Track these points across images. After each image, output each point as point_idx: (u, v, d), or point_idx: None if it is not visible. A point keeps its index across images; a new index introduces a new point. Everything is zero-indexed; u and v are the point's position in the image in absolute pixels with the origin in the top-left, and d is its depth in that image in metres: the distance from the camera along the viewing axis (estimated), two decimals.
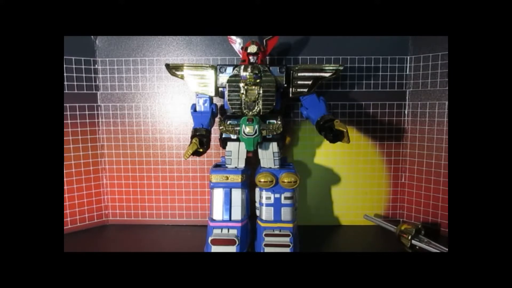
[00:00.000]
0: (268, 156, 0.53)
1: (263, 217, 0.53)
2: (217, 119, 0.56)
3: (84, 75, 0.67)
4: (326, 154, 0.69)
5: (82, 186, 0.68)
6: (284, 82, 0.53)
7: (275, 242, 0.50)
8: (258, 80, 0.50)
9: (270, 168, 0.54)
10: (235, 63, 0.56)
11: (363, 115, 0.68)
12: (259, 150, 0.54)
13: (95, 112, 0.69)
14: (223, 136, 0.54)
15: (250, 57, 0.53)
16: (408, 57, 0.66)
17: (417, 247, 0.56)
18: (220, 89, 0.54)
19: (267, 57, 0.61)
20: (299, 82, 0.54)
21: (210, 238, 0.50)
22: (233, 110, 0.52)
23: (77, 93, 0.66)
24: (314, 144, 0.68)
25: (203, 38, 0.66)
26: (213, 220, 0.52)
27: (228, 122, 0.52)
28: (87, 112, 0.68)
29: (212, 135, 0.56)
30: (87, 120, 0.68)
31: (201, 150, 0.50)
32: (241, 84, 0.50)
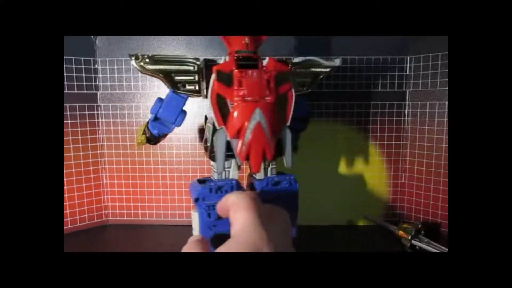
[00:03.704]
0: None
1: None
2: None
3: (84, 75, 0.67)
4: (326, 154, 0.69)
5: (82, 186, 0.68)
6: None
7: None
8: None
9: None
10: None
11: (363, 115, 0.68)
12: None
13: (95, 112, 0.69)
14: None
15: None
16: (408, 57, 0.66)
17: (417, 247, 0.56)
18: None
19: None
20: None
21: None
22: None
23: (77, 93, 0.66)
24: (314, 144, 0.68)
25: (203, 38, 0.66)
26: None
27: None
28: (87, 112, 0.68)
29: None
30: (87, 120, 0.68)
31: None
32: None
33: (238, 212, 0.32)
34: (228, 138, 0.42)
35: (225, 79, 0.41)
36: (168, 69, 0.45)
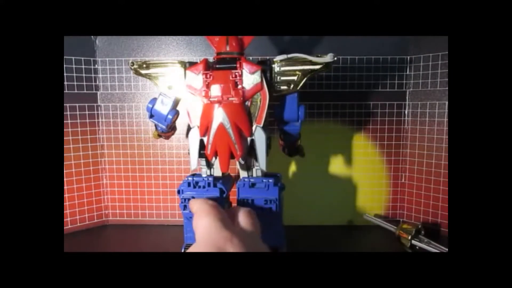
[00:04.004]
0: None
1: None
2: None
3: (84, 75, 0.67)
4: (326, 154, 0.69)
5: (82, 186, 0.68)
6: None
7: None
8: None
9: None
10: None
11: (363, 115, 0.68)
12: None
13: (95, 112, 0.69)
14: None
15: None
16: (408, 57, 0.66)
17: (417, 247, 0.56)
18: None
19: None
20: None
21: None
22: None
23: (77, 93, 0.66)
24: (313, 144, 0.68)
25: (203, 38, 0.66)
26: None
27: None
28: (87, 112, 0.68)
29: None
30: (87, 120, 0.68)
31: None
32: None
33: (200, 219, 0.35)
34: (200, 137, 0.44)
35: (195, 80, 0.43)
36: (155, 72, 0.48)
